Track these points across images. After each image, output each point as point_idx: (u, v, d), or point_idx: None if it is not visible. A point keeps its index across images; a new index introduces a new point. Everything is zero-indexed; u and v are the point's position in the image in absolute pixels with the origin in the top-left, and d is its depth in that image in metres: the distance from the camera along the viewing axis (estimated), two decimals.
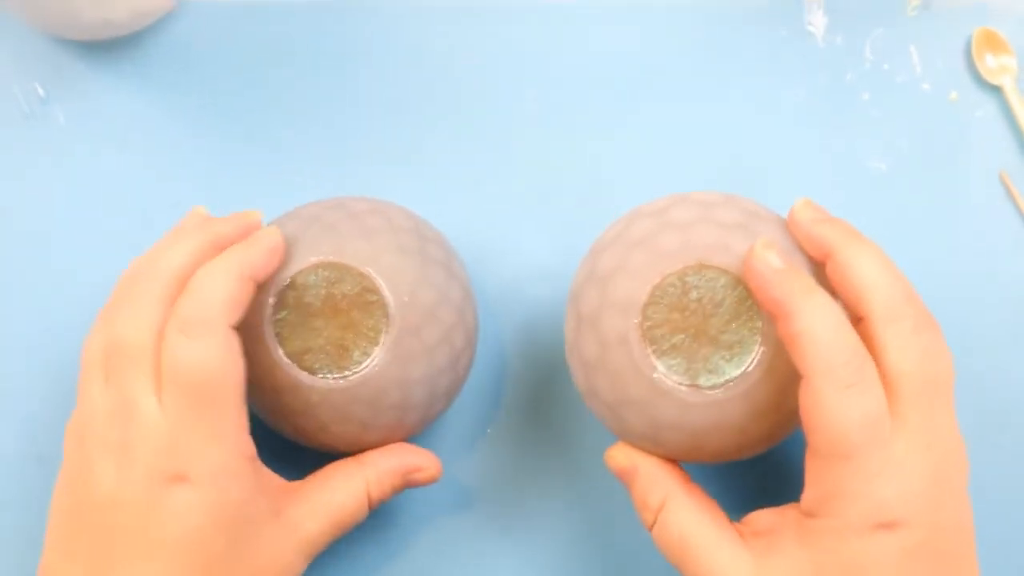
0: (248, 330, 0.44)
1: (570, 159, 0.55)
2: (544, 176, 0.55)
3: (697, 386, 0.41)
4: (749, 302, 0.41)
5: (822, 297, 0.39)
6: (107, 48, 0.57)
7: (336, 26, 0.57)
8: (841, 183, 0.55)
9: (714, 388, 0.41)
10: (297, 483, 0.45)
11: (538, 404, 0.52)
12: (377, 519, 0.51)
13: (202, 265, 0.42)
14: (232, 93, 0.56)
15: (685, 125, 0.56)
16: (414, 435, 0.48)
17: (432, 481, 0.47)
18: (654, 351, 0.41)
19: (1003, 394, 0.53)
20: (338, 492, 0.44)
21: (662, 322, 0.41)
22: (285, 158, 0.55)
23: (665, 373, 0.41)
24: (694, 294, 0.41)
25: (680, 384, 0.41)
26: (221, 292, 0.41)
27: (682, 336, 0.41)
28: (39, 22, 0.55)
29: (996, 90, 0.56)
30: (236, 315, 0.41)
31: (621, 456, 0.44)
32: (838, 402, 0.37)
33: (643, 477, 0.43)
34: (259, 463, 0.43)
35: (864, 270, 0.40)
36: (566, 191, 0.55)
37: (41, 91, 0.56)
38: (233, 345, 0.41)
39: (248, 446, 0.42)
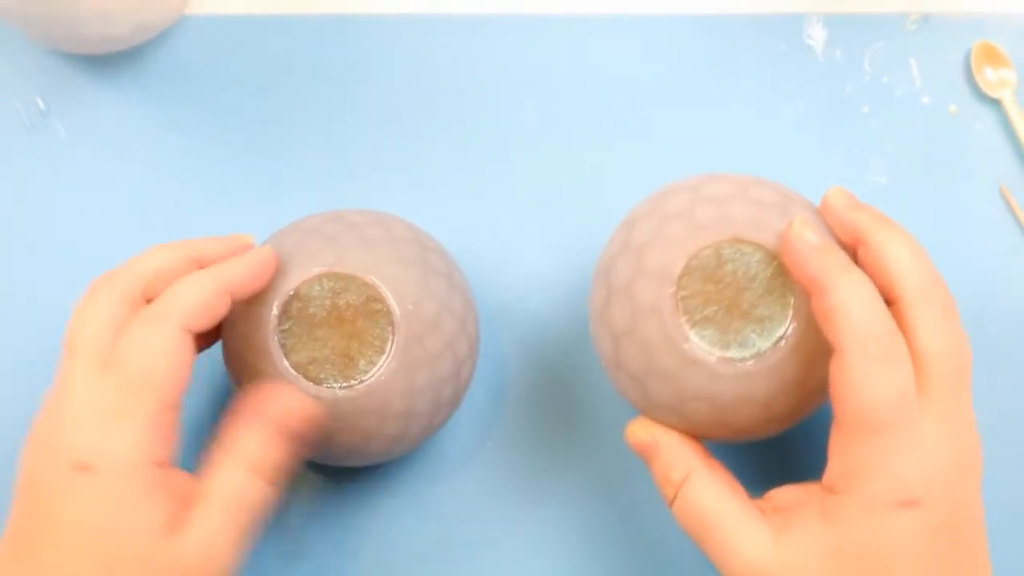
0: (252, 342, 0.44)
1: (570, 170, 0.55)
2: (544, 186, 0.55)
3: (728, 357, 0.41)
4: (782, 278, 0.42)
5: (857, 274, 0.39)
6: (108, 61, 0.57)
7: (336, 38, 0.57)
8: None
9: (744, 360, 0.41)
10: (196, 487, 0.42)
11: (539, 415, 0.52)
12: (377, 529, 0.51)
13: (178, 276, 0.43)
14: (232, 105, 0.56)
15: (685, 137, 0.56)
16: (417, 446, 0.48)
17: (311, 420, 0.43)
18: (687, 321, 0.42)
19: (1003, 405, 0.53)
20: (225, 485, 0.41)
21: (696, 293, 0.42)
22: (285, 170, 0.55)
23: (697, 343, 0.41)
24: (729, 267, 0.42)
25: (711, 354, 0.41)
26: (189, 295, 0.41)
27: (715, 308, 0.42)
28: (41, 36, 0.55)
29: (995, 103, 0.56)
30: (198, 320, 0.41)
31: (642, 431, 0.44)
32: (870, 376, 0.38)
33: (665, 451, 0.43)
34: (171, 470, 0.41)
35: (896, 253, 0.40)
36: (566, 202, 0.55)
37: (42, 104, 0.56)
38: (182, 343, 0.41)
39: (159, 450, 0.40)
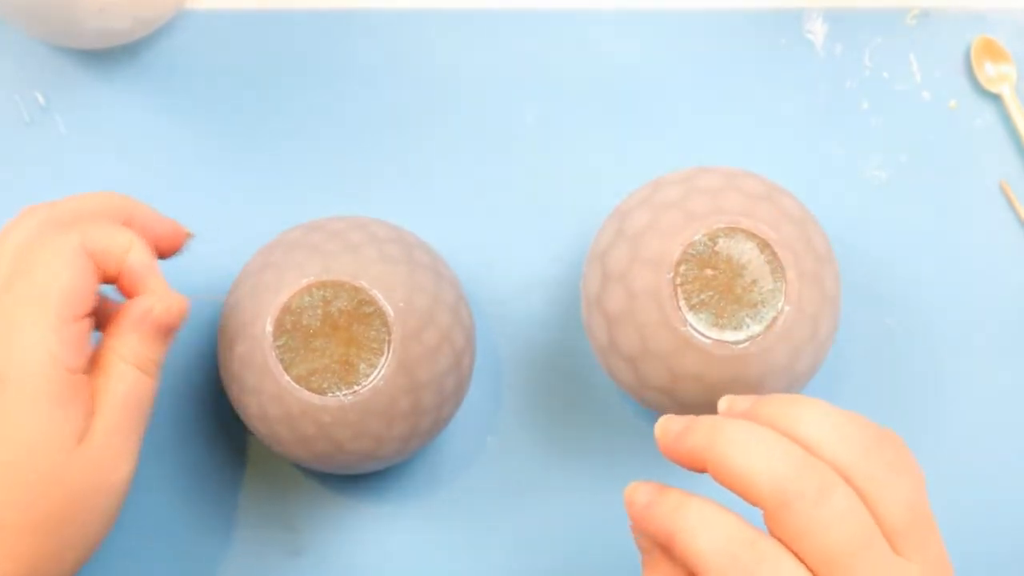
0: (251, 361, 0.44)
1: (567, 166, 0.55)
2: (541, 183, 0.55)
3: (723, 340, 0.44)
4: (774, 265, 0.44)
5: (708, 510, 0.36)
6: (107, 56, 0.57)
7: (335, 34, 0.57)
8: (840, 192, 0.55)
9: (738, 343, 0.44)
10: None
11: (538, 413, 0.53)
12: (380, 528, 0.51)
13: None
14: (232, 101, 0.56)
15: (684, 133, 0.56)
16: (427, 443, 0.48)
17: (176, 313, 0.44)
18: (684, 305, 0.44)
19: (1003, 403, 0.53)
20: (117, 385, 0.42)
21: (692, 279, 0.44)
22: (284, 165, 0.55)
23: (693, 326, 0.44)
24: (723, 254, 0.44)
25: (706, 337, 0.44)
26: (96, 228, 0.43)
27: (710, 293, 0.44)
28: (40, 31, 0.55)
29: (995, 98, 0.56)
30: (96, 242, 0.42)
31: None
32: None
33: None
34: (83, 377, 0.41)
35: (738, 465, 0.36)
36: (564, 202, 0.55)
37: (42, 99, 0.56)
38: (83, 258, 0.42)
39: (68, 357, 0.41)
